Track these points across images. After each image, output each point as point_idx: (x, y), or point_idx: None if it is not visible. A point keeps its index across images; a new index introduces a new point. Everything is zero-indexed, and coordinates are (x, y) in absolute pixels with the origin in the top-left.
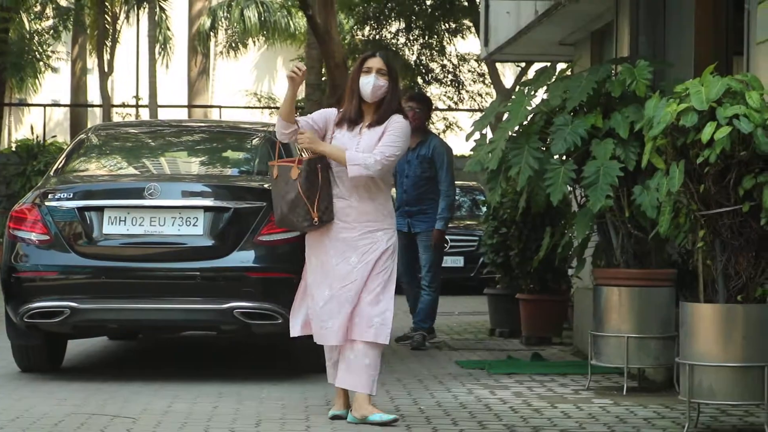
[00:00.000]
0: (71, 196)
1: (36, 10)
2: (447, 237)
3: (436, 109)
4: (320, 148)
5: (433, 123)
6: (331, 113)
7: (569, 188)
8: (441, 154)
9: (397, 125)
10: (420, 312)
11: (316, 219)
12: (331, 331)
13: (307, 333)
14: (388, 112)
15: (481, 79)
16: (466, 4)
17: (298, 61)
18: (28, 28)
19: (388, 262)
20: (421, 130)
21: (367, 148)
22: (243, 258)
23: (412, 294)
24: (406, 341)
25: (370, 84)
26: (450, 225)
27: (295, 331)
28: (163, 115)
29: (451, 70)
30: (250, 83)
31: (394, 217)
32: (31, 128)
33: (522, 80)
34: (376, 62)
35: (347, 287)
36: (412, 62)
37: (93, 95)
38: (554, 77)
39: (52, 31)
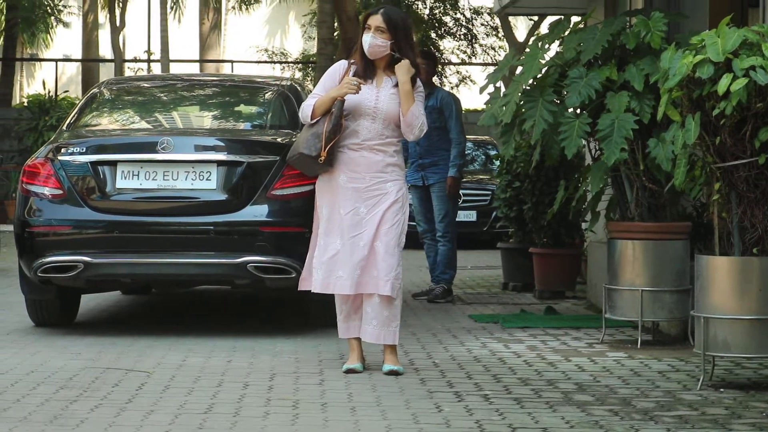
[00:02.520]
0: (84, 151)
1: None
2: (460, 191)
3: (449, 63)
4: (404, 78)
5: (446, 77)
6: (339, 69)
7: (583, 141)
8: (449, 104)
9: (419, 90)
10: (439, 264)
11: (322, 157)
12: (342, 280)
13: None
14: (392, 69)
15: (494, 32)
16: None
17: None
18: None
19: (399, 215)
20: (428, 84)
21: (388, 108)
22: (256, 212)
23: (433, 251)
24: (423, 296)
25: (367, 43)
26: (463, 180)
27: (306, 285)
28: (175, 69)
29: (464, 23)
30: (262, 38)
31: (404, 169)
32: (43, 83)
33: (535, 33)
34: (375, 20)
35: (357, 237)
36: (425, 16)
37: (105, 50)
38: (568, 30)
39: None
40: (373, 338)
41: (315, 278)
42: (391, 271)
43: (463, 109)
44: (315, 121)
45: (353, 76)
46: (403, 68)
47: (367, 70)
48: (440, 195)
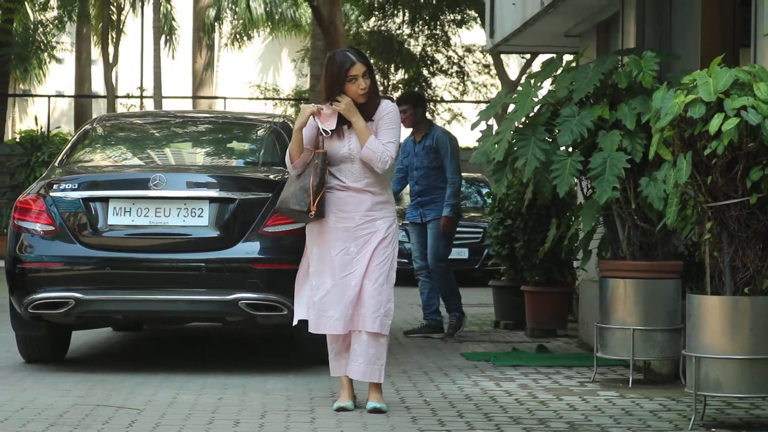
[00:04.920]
0: (76, 187)
1: (40, 0)
2: (456, 229)
3: (442, 100)
4: (354, 118)
5: (438, 114)
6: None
7: (575, 180)
8: (445, 143)
9: (390, 116)
10: (443, 299)
11: (312, 212)
12: (333, 320)
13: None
14: (374, 105)
15: (486, 70)
16: None
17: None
18: (32, 19)
19: (388, 250)
20: (422, 123)
21: (359, 146)
22: (248, 249)
23: (427, 288)
24: (414, 334)
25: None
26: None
27: (300, 314)
28: (168, 106)
29: (456, 61)
30: (255, 75)
31: (394, 205)
32: (36, 119)
33: (527, 71)
34: (359, 69)
35: (348, 277)
36: (417, 53)
37: (97, 86)
38: (560, 68)
39: (56, 21)
40: (358, 375)
41: (309, 319)
42: (379, 308)
43: None
44: (300, 172)
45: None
46: (347, 110)
47: (342, 116)
48: (435, 232)
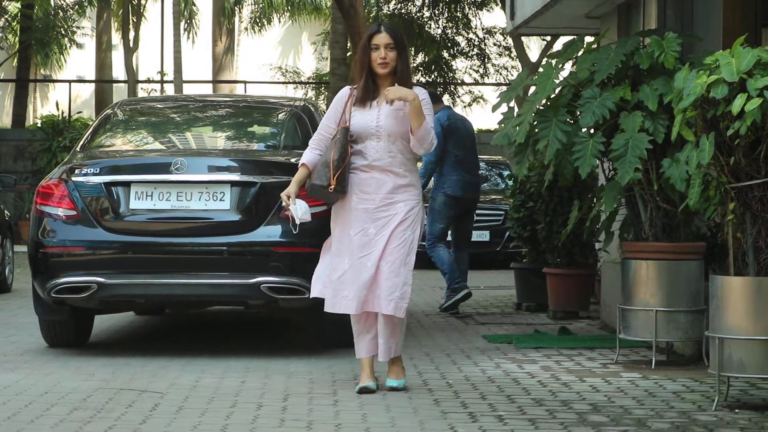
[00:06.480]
0: (98, 172)
1: None
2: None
3: (462, 83)
4: (411, 97)
5: (458, 96)
6: (342, 97)
7: (597, 161)
8: None
9: (425, 102)
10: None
11: (332, 186)
12: (347, 300)
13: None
14: (406, 85)
15: (506, 52)
16: None
17: None
18: (52, 4)
19: (407, 233)
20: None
21: (389, 124)
22: (270, 233)
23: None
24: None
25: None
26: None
27: (316, 291)
28: (188, 90)
29: (476, 43)
30: (275, 58)
31: (419, 188)
32: (57, 104)
33: (548, 53)
34: (383, 38)
35: (365, 257)
36: (438, 36)
37: (118, 71)
38: (582, 50)
39: (77, 6)
40: (381, 356)
41: (325, 298)
42: (395, 290)
43: (475, 129)
44: (325, 149)
45: (355, 99)
46: (402, 90)
47: (368, 90)
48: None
